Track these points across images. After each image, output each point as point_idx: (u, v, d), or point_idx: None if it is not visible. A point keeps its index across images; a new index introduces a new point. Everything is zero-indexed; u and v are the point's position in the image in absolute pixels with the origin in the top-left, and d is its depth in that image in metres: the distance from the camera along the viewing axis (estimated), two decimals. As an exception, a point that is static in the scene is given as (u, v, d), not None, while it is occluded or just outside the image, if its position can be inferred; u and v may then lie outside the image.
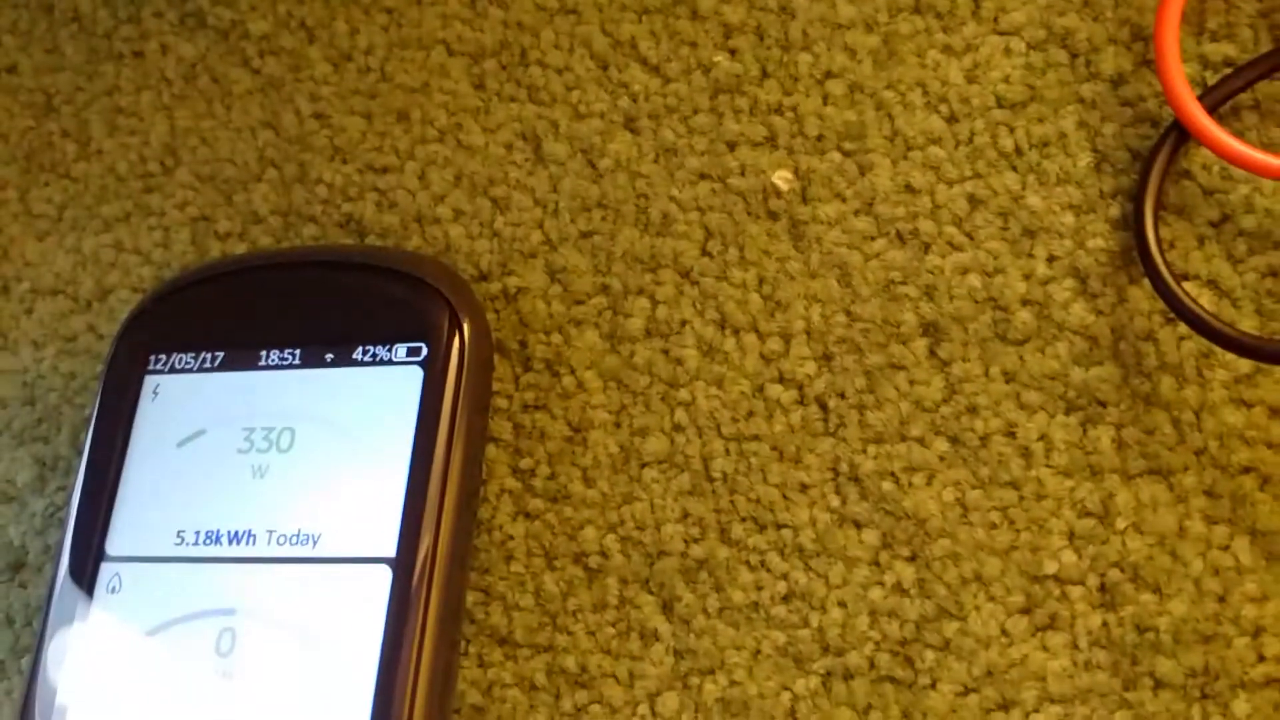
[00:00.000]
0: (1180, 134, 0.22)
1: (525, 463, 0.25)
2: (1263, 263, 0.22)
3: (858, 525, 0.23)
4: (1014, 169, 0.24)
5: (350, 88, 0.28)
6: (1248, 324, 0.22)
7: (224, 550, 0.24)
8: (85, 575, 0.25)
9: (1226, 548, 0.21)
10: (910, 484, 0.23)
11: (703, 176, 0.26)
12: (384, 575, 0.22)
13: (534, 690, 0.24)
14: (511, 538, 0.25)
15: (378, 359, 0.24)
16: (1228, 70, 0.23)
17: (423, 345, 0.24)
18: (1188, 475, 0.22)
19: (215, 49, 0.30)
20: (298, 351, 0.25)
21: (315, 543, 0.23)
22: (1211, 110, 0.22)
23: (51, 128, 0.30)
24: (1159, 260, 0.22)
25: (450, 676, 0.23)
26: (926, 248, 0.24)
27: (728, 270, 0.25)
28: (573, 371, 0.25)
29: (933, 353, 0.24)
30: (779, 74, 0.25)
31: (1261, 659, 0.21)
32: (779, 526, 0.24)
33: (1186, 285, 0.22)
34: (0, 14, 0.32)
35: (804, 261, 0.25)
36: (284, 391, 0.25)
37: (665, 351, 0.25)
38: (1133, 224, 0.22)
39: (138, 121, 0.30)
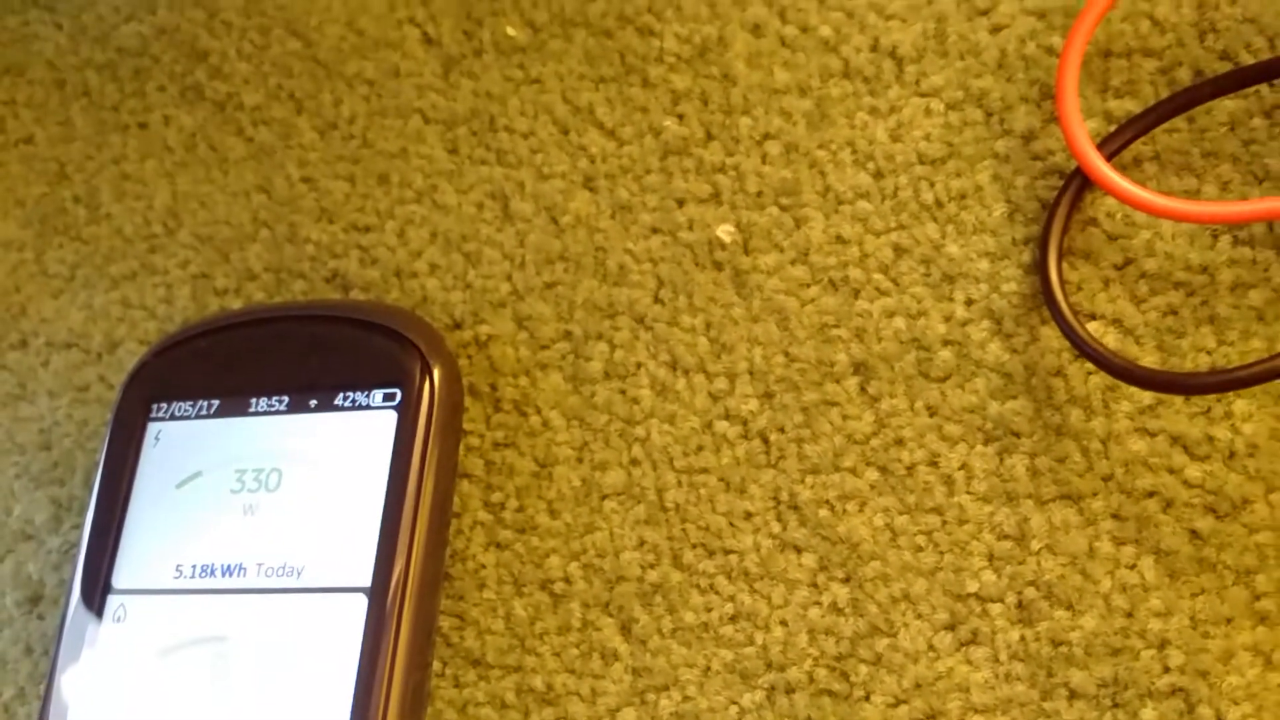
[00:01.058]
0: (1082, 182, 0.24)
1: (496, 496, 0.27)
2: (1163, 302, 0.23)
3: (797, 550, 0.25)
4: (934, 220, 0.25)
5: (335, 154, 0.30)
6: (1150, 359, 0.23)
7: (217, 582, 0.25)
8: (94, 606, 0.26)
9: (1133, 566, 0.23)
10: (844, 511, 0.24)
11: (654, 231, 0.27)
12: (360, 603, 0.24)
13: (504, 708, 0.25)
14: (484, 566, 0.26)
15: (356, 404, 0.26)
16: (1131, 120, 0.24)
17: (397, 391, 0.25)
18: (1096, 500, 0.23)
19: (212, 120, 0.31)
20: (285, 398, 0.26)
21: (299, 574, 0.25)
22: (1110, 158, 0.24)
23: (64, 194, 0.32)
24: (1061, 302, 0.23)
25: (421, 696, 0.24)
26: (856, 293, 0.25)
27: (678, 316, 0.26)
28: (539, 411, 0.27)
29: (863, 390, 0.25)
30: (722, 136, 0.27)
31: (1167, 670, 0.22)
32: (726, 552, 0.25)
33: (1093, 324, 0.24)
34: (17, 89, 0.33)
35: (746, 307, 0.26)
36: (272, 435, 0.26)
37: (623, 392, 0.26)
38: (1039, 269, 0.24)
39: (142, 187, 0.31)
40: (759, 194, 0.26)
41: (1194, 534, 0.22)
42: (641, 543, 0.26)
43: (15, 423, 0.31)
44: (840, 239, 0.26)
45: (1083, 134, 0.23)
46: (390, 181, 0.29)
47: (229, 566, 0.25)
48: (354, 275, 0.29)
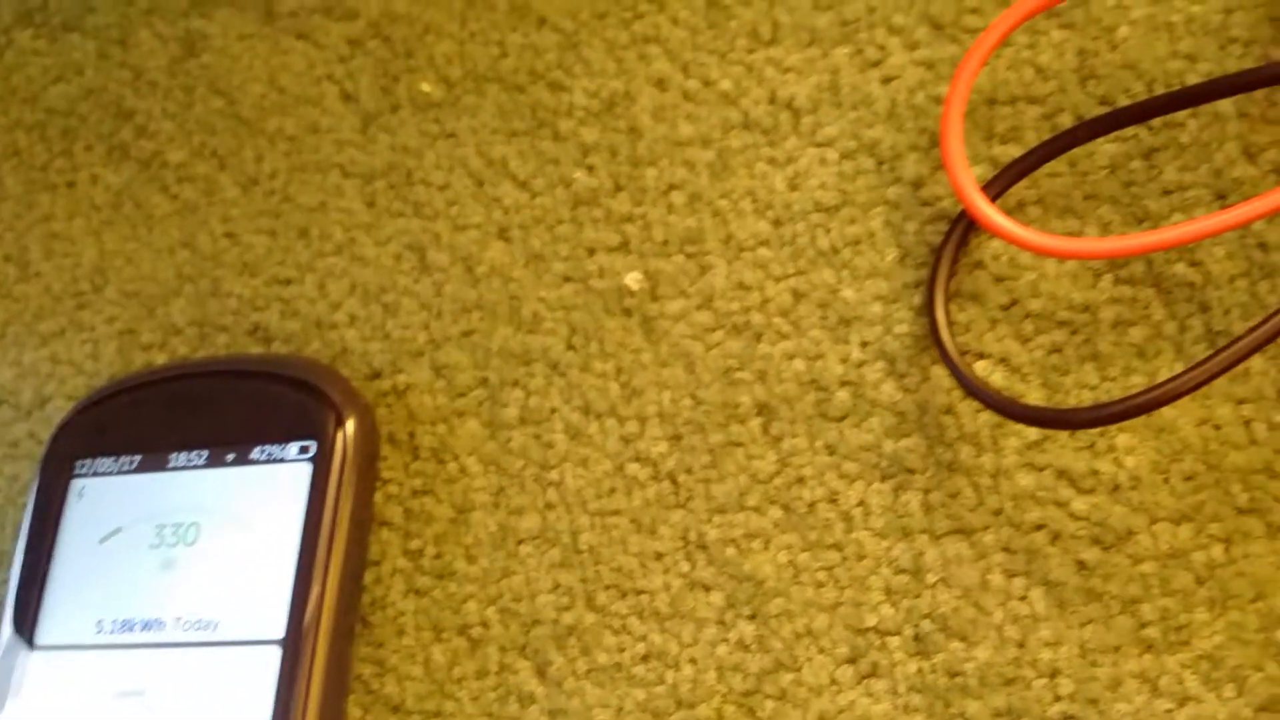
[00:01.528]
0: (967, 225, 0.24)
1: (414, 544, 0.27)
2: (1047, 340, 0.24)
3: (705, 588, 0.25)
4: (830, 265, 0.26)
5: (257, 209, 0.30)
6: (1035, 396, 0.24)
7: (137, 637, 0.25)
8: (17, 664, 0.26)
9: (1024, 598, 0.23)
10: (749, 549, 0.25)
11: (566, 279, 0.27)
12: (274, 655, 0.24)
13: (425, 751, 0.25)
14: (403, 613, 0.26)
15: (273, 457, 0.26)
16: (1015, 163, 0.25)
17: (312, 443, 0.26)
18: (987, 534, 0.23)
19: (138, 178, 0.32)
20: (204, 453, 0.27)
21: (215, 628, 0.25)
22: (994, 200, 0.24)
23: (-8, 254, 0.32)
24: (948, 343, 0.23)
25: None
26: (758, 337, 0.26)
27: (589, 362, 0.27)
28: (456, 458, 0.27)
29: (766, 430, 0.25)
30: (629, 187, 0.27)
31: (1057, 698, 0.22)
32: (638, 592, 0.25)
33: (981, 363, 0.24)
34: (-52, 152, 0.34)
35: (655, 353, 0.26)
36: (191, 490, 0.26)
37: (537, 437, 0.27)
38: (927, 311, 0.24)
39: (70, 245, 0.32)
40: (665, 242, 0.27)
41: (1081, 565, 0.23)
42: (556, 585, 0.26)
43: (-54, 480, 0.31)
44: (742, 285, 0.26)
45: (967, 178, 0.23)
46: (310, 235, 0.29)
47: (147, 621, 0.25)
48: (275, 328, 0.29)
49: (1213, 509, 0.22)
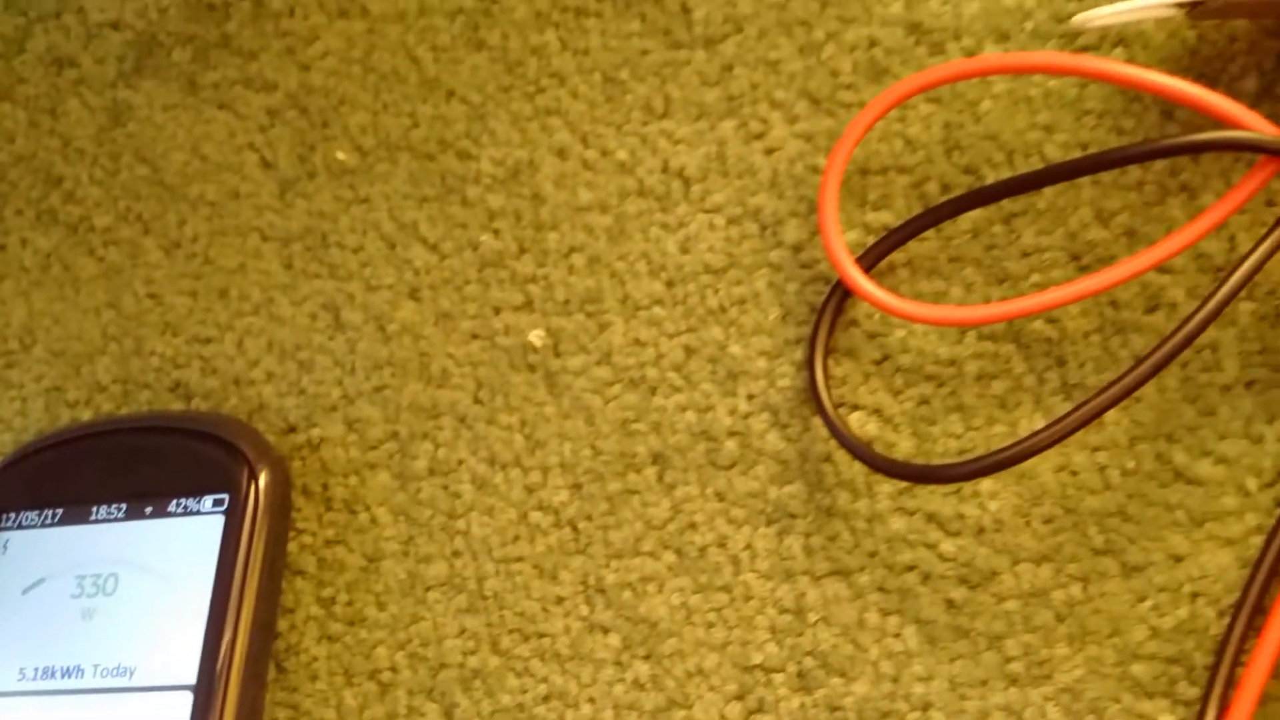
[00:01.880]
0: (844, 290, 0.26)
1: (327, 591, 0.28)
2: (916, 393, 0.25)
3: (604, 631, 0.26)
4: (719, 323, 0.27)
5: (179, 271, 0.31)
6: (906, 444, 0.25)
7: (57, 684, 0.26)
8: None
9: (898, 635, 0.24)
10: (645, 592, 0.26)
11: (474, 337, 0.29)
12: (186, 700, 0.25)
13: (336, 793, 0.26)
14: (316, 659, 0.27)
15: (188, 510, 0.27)
16: (888, 232, 0.26)
17: (225, 496, 0.26)
18: (863, 574, 0.25)
19: (66, 241, 0.32)
20: (123, 506, 0.27)
21: (131, 675, 0.25)
22: (869, 268, 0.26)
23: (-79, 315, 0.33)
24: (824, 397, 0.25)
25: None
26: (653, 390, 0.27)
27: (495, 415, 0.28)
28: (368, 509, 0.28)
29: (660, 479, 0.26)
30: (533, 249, 0.29)
31: (930, 728, 0.24)
32: (540, 635, 0.26)
33: (856, 415, 0.26)
34: (-120, 215, 0.34)
35: (557, 406, 0.28)
36: (111, 542, 0.27)
37: (445, 487, 0.28)
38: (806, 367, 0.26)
39: (0, 306, 0.33)
40: (566, 302, 0.28)
41: (950, 603, 0.24)
42: (463, 630, 0.27)
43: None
44: (638, 341, 0.27)
45: (840, 247, 0.25)
46: (229, 296, 0.30)
47: (67, 669, 0.26)
48: (195, 385, 0.30)
49: (1071, 550, 0.24)
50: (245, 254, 0.31)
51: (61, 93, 0.34)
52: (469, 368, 0.28)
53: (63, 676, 0.26)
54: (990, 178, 0.26)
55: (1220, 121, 0.23)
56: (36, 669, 0.26)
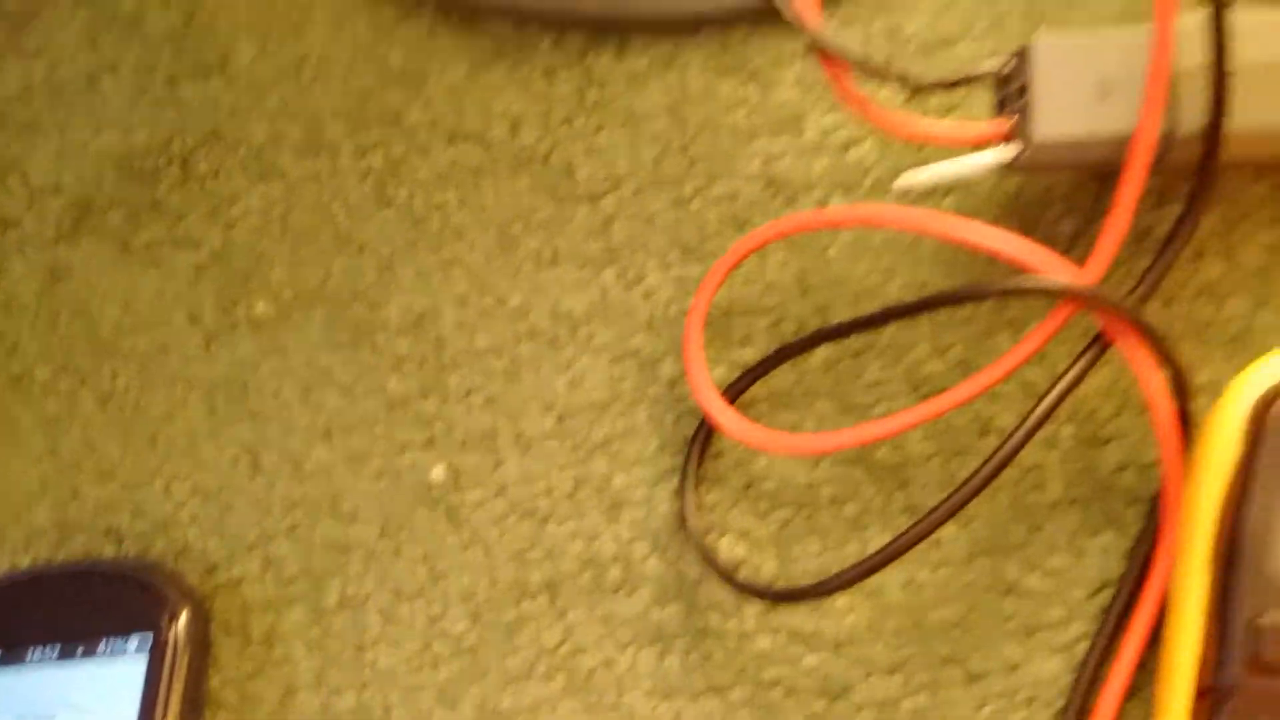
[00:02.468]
0: (705, 427, 0.28)
1: None
2: (779, 517, 0.27)
3: (501, 751, 0.27)
4: (605, 455, 0.29)
5: (111, 420, 0.33)
6: (770, 565, 0.27)
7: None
8: None
9: (769, 745, 0.26)
10: (538, 716, 0.27)
11: (381, 474, 0.30)
12: (106, 836, 0.26)
13: None
14: (237, 786, 0.29)
15: (114, 650, 0.28)
16: (750, 366, 0.29)
17: (148, 635, 0.28)
18: (734, 691, 0.26)
19: (7, 393, 0.34)
20: (56, 647, 0.29)
21: (56, 812, 0.27)
22: (733, 401, 0.28)
23: None
24: (692, 525, 0.27)
25: None
26: (545, 520, 0.29)
27: (401, 548, 0.30)
28: (284, 642, 0.30)
29: (552, 604, 0.28)
30: (436, 391, 0.31)
31: (800, 833, 0.25)
32: (443, 757, 0.28)
33: (727, 538, 0.27)
34: None
35: (458, 538, 0.29)
36: (46, 683, 0.29)
37: (355, 621, 0.29)
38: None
39: (-55, 456, 0.34)
40: (464, 440, 0.30)
41: (812, 716, 0.26)
42: (373, 754, 0.28)
43: None
44: (531, 475, 0.29)
45: (704, 383, 0.27)
46: (158, 442, 0.32)
47: (-4, 809, 0.27)
48: (126, 528, 0.32)
49: (919, 660, 0.25)
50: (172, 403, 0.32)
51: (6, 251, 0.36)
52: (377, 504, 0.30)
53: (-6, 815, 0.27)
54: (838, 316, 0.28)
55: (1023, 269, 0.25)
56: (-30, 809, 0.28)
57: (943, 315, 0.27)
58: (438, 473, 0.30)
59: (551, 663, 0.28)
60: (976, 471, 0.24)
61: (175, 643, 0.28)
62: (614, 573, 0.28)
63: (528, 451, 0.29)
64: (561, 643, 0.28)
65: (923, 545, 0.26)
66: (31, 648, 0.29)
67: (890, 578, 0.26)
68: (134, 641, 0.28)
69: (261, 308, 0.33)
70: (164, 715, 0.27)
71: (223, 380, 0.32)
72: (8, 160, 0.36)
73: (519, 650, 0.28)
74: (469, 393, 0.30)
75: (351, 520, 0.30)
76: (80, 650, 0.28)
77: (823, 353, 0.28)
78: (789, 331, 0.28)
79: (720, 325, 0.29)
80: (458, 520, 0.29)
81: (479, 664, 0.28)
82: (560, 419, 0.29)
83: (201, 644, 0.28)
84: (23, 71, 0.36)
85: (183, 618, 0.28)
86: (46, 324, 0.35)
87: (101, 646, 0.28)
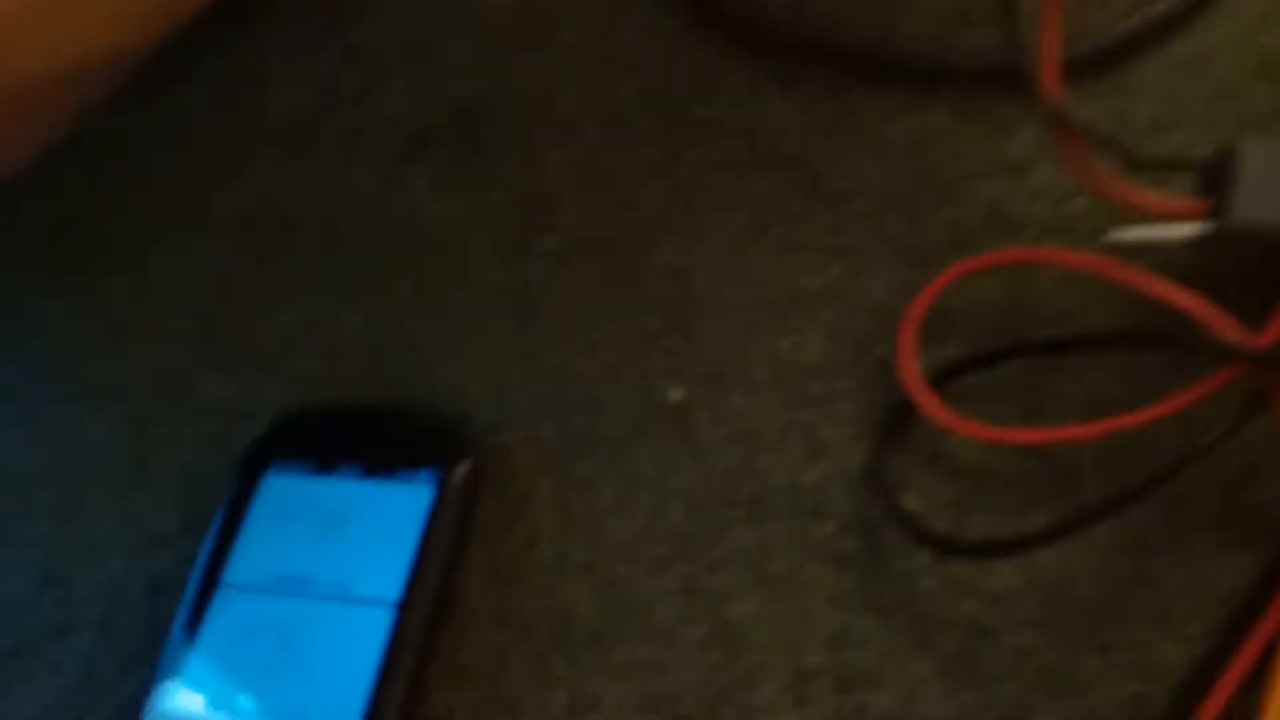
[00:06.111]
0: (911, 401, 0.28)
1: (495, 558, 0.29)
2: (958, 485, 0.27)
3: (695, 622, 0.28)
4: (815, 408, 0.29)
5: (420, 306, 0.34)
6: (944, 525, 0.27)
7: (293, 587, 0.28)
8: (205, 595, 0.29)
9: (918, 665, 0.26)
10: (729, 599, 0.28)
11: (632, 388, 0.31)
12: (389, 615, 0.27)
13: (477, 709, 0.28)
14: (478, 606, 0.29)
15: (408, 479, 0.29)
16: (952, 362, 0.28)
17: (437, 470, 0.29)
18: (895, 614, 0.26)
19: (339, 269, 0.36)
20: (361, 466, 0.30)
21: (348, 588, 0.28)
22: (934, 387, 0.28)
23: (229, 304, 0.36)
24: (884, 480, 0.27)
25: (421, 687, 0.27)
26: (758, 450, 0.29)
27: (637, 449, 0.30)
28: (534, 503, 0.30)
29: (753, 516, 0.28)
30: (683, 331, 0.31)
31: (932, 738, 0.25)
32: (648, 617, 0.28)
33: (910, 494, 0.27)
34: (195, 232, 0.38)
35: (686, 447, 0.30)
36: (348, 491, 0.30)
37: (594, 497, 0.30)
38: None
39: (282, 309, 0.36)
40: (703, 373, 0.30)
41: (961, 648, 0.26)
42: (592, 603, 0.29)
43: (167, 462, 0.34)
44: (751, 411, 0.30)
45: (912, 370, 0.27)
46: (455, 333, 0.33)
47: (299, 578, 0.29)
48: (422, 390, 0.33)
49: (1059, 624, 0.25)
50: (472, 304, 0.34)
51: (351, 157, 0.37)
52: (624, 410, 0.30)
53: (297, 582, 0.29)
54: (1036, 334, 0.28)
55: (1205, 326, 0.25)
56: (279, 574, 0.29)
57: (1126, 352, 0.27)
58: (677, 394, 0.31)
59: (747, 560, 0.28)
60: (1136, 484, 0.24)
61: (457, 481, 0.29)
62: (808, 502, 0.28)
63: (752, 393, 0.30)
64: (757, 547, 0.28)
65: (1079, 534, 0.26)
66: (340, 464, 0.30)
67: (1046, 554, 0.26)
68: (424, 474, 0.29)
69: (552, 242, 0.34)
70: (439, 536, 0.28)
71: (514, 294, 0.33)
72: (363, 87, 0.38)
73: (722, 545, 0.28)
74: (711, 337, 0.31)
75: (602, 418, 0.31)
76: (380, 472, 0.30)
77: (1017, 362, 0.28)
78: (990, 339, 0.28)
79: (931, 324, 0.29)
80: (688, 434, 0.30)
81: (689, 548, 0.29)
82: (781, 373, 0.30)
83: (474, 488, 0.29)
84: (382, 20, 0.38)
85: (465, 463, 0.29)
86: (381, 223, 0.36)
87: (398, 473, 0.30)
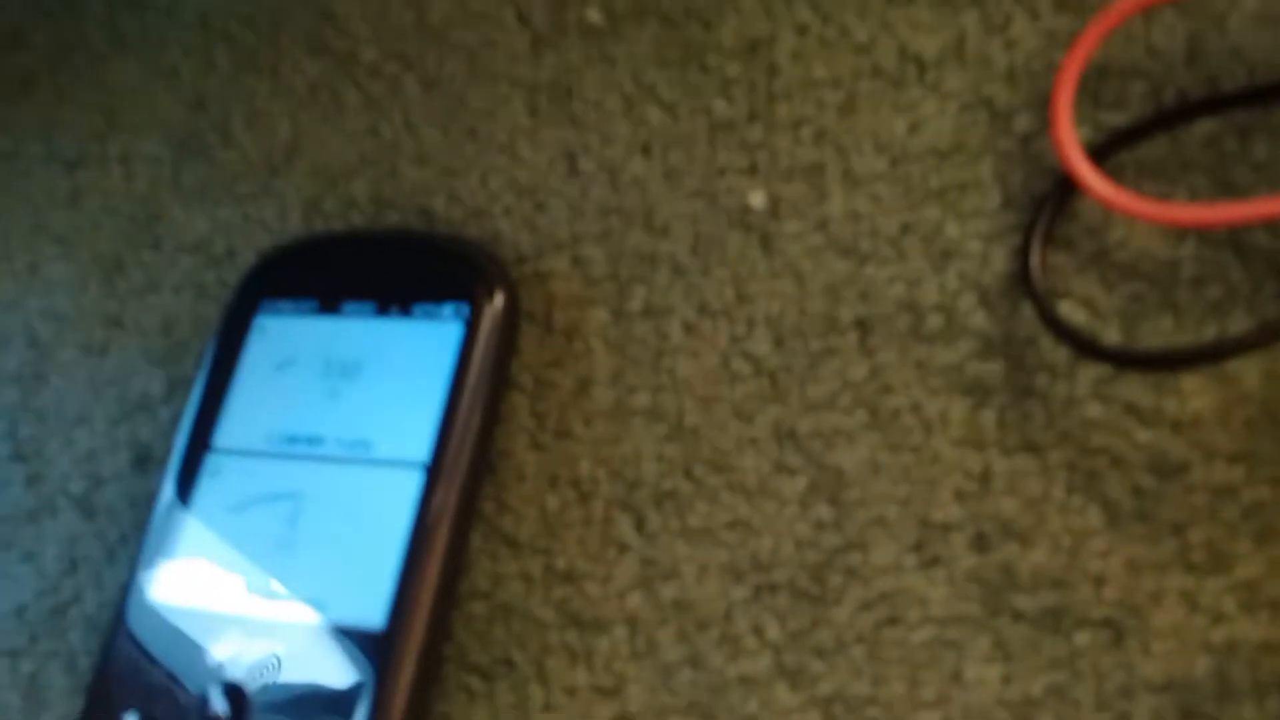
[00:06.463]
0: (1068, 183, 0.23)
1: (540, 406, 0.27)
2: (1129, 290, 0.23)
3: (791, 473, 0.24)
4: (939, 204, 0.25)
5: (435, 108, 0.30)
6: (1114, 336, 0.23)
7: (299, 449, 0.25)
8: (195, 462, 0.26)
9: (1081, 513, 0.22)
10: (835, 443, 0.24)
11: (697, 194, 0.27)
12: (418, 476, 0.24)
13: (530, 582, 0.25)
14: (525, 464, 0.26)
15: (431, 315, 0.26)
16: (1120, 131, 0.24)
17: (465, 306, 0.25)
18: (1054, 452, 0.23)
19: (334, 70, 0.31)
20: (372, 304, 0.27)
21: (369, 448, 0.25)
22: (1096, 164, 0.23)
23: (202, 122, 0.32)
24: (1038, 281, 0.23)
25: (460, 561, 0.24)
26: (864, 261, 0.25)
27: (709, 268, 0.26)
28: (584, 339, 0.27)
29: (862, 343, 0.25)
30: (763, 118, 0.27)
31: (1102, 602, 0.22)
32: (731, 469, 0.25)
33: (1066, 303, 0.23)
34: (168, 29, 0.34)
35: (769, 265, 0.26)
36: (357, 334, 0.26)
37: (656, 328, 0.26)
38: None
39: (270, 121, 0.32)
40: (790, 170, 0.26)
41: (1137, 489, 0.22)
42: (660, 455, 0.25)
43: (144, 312, 0.31)
44: (856, 214, 0.25)
45: (1070, 138, 0.22)
46: (478, 135, 0.29)
47: (311, 437, 0.25)
48: (440, 212, 0.29)
49: (1267, 453, 0.21)
50: (495, 99, 0.29)
51: (340, -59, 0.33)
52: (690, 222, 0.27)
53: (305, 443, 0.26)
54: (1228, 89, 0.23)
55: None
56: (283, 435, 0.26)
57: (1357, 101, 0.22)
58: (756, 199, 0.26)
59: (856, 396, 0.24)
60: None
61: (490, 318, 0.25)
62: (934, 321, 0.24)
63: (855, 190, 0.25)
64: (868, 379, 0.24)
65: (1293, 338, 0.21)
66: (347, 301, 0.27)
67: (1250, 365, 0.22)
68: (449, 309, 0.26)
69: (594, 16, 0.29)
70: (473, 383, 0.25)
71: (547, 83, 0.29)
72: None
73: (822, 381, 0.25)
74: (799, 124, 0.26)
75: (663, 234, 0.27)
76: (395, 309, 0.26)
77: (1205, 125, 0.23)
78: (1169, 100, 0.23)
79: (1091, 85, 0.24)
80: (772, 248, 0.26)
81: (779, 387, 0.25)
82: (894, 162, 0.25)
83: (511, 325, 0.26)
84: None
85: (499, 296, 0.25)
86: (381, 6, 0.31)
87: (417, 309, 0.26)
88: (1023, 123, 0.24)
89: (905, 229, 0.25)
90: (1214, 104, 0.23)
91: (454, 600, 0.25)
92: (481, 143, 0.29)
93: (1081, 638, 0.21)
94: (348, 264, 0.27)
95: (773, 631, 0.23)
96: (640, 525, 0.25)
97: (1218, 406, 0.22)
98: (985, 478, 0.23)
